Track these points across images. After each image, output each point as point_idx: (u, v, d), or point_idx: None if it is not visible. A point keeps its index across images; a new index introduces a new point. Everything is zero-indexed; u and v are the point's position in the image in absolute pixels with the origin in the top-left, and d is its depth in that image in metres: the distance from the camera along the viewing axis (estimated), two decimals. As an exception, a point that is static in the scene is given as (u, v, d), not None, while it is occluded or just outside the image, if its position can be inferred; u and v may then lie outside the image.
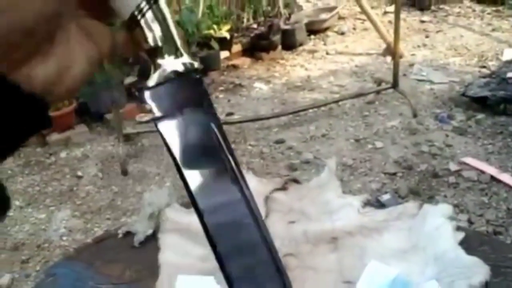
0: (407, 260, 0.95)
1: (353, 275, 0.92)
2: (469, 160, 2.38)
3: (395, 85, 3.01)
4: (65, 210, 2.28)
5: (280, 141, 2.76)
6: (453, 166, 2.36)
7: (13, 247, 2.05)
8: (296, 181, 1.30)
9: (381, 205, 1.21)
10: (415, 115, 2.88)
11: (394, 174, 2.36)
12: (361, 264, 0.95)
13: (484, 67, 3.52)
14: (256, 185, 1.25)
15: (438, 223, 0.98)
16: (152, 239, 1.08)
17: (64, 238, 2.09)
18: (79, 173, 2.58)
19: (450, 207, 1.02)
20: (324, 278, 0.93)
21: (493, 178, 2.25)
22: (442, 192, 2.17)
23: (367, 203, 1.15)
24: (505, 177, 2.23)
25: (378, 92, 3.18)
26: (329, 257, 0.98)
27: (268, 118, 2.94)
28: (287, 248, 1.01)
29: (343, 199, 1.17)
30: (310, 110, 3.03)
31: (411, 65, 3.65)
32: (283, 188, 1.24)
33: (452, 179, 2.27)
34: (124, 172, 2.52)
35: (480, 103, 2.91)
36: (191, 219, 1.12)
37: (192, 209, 1.26)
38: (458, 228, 1.01)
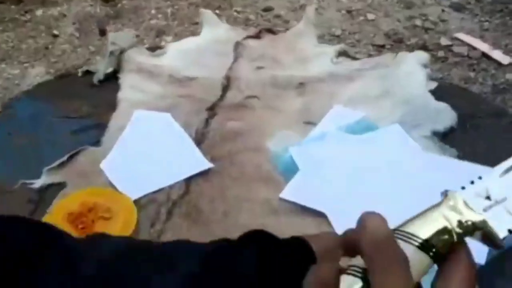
0: (376, 105, 0.91)
1: (316, 116, 0.89)
2: (462, 36, 2.28)
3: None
4: (39, 67, 2.20)
5: (268, 9, 2.61)
6: (444, 41, 2.26)
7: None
8: (271, 31, 1.23)
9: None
10: (412, -12, 2.70)
11: (382, 46, 2.26)
12: (327, 107, 0.91)
13: None
14: (228, 32, 1.17)
15: (411, 69, 0.92)
16: (112, 79, 1.03)
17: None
18: (55, 32, 2.46)
19: (426, 54, 0.96)
20: (285, 118, 0.89)
21: (484, 54, 2.17)
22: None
23: (342, 53, 1.09)
24: (496, 54, 2.15)
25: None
26: (295, 100, 0.94)
27: (257, -16, 2.75)
28: (251, 90, 0.96)
29: (318, 48, 1.10)
30: (303, -22, 2.83)
31: None
32: (257, 36, 1.17)
33: (441, 53, 2.18)
34: (102, 32, 2.40)
35: (483, -20, 2.72)
36: (154, 61, 1.06)
37: (156, 52, 1.20)
38: (433, 79, 0.96)
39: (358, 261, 0.28)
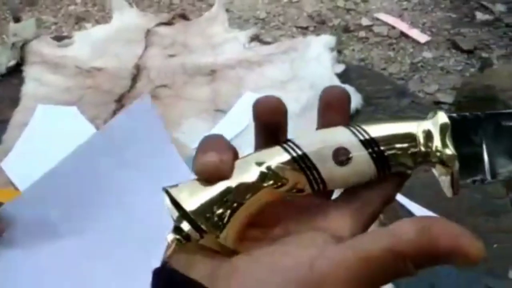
0: (284, 89, 0.92)
1: (227, 104, 0.89)
2: (382, 16, 2.36)
3: None
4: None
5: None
6: (365, 21, 2.33)
7: None
8: (184, 16, 1.21)
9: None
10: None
11: (306, 28, 2.30)
12: (237, 94, 0.91)
13: None
14: (139, 19, 1.14)
15: (318, 52, 0.94)
16: (15, 73, 0.98)
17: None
18: (-36, 21, 2.31)
19: (333, 38, 0.98)
20: (196, 107, 0.89)
21: (402, 33, 2.26)
22: (350, 47, 2.16)
23: (254, 38, 1.09)
24: (414, 33, 2.24)
25: None
26: (204, 88, 0.94)
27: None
28: (162, 80, 0.95)
29: (229, 33, 1.10)
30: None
31: None
32: (169, 23, 1.15)
33: (362, 33, 2.25)
34: (17, 20, 2.28)
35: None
36: (60, 52, 1.02)
37: (63, 42, 1.14)
38: (341, 62, 0.99)
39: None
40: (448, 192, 0.28)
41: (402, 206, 0.72)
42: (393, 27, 2.29)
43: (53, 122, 0.85)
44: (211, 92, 0.93)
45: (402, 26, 2.29)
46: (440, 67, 2.15)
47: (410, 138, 0.27)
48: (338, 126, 0.28)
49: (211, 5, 2.46)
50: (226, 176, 0.25)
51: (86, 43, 1.05)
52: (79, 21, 2.31)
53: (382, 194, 0.28)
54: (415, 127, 0.27)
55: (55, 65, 0.98)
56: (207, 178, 0.25)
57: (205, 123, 0.85)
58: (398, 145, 0.27)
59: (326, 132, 0.28)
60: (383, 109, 0.92)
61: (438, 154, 0.27)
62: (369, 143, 0.27)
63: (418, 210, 0.71)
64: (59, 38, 1.08)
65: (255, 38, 1.09)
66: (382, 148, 0.27)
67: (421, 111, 0.93)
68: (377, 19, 2.35)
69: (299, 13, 2.42)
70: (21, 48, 1.00)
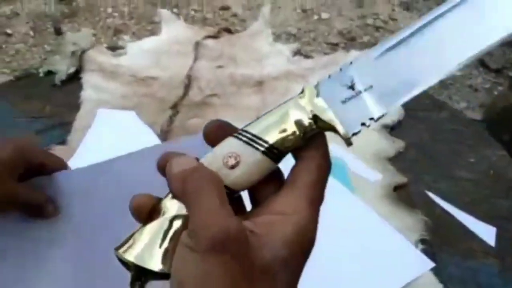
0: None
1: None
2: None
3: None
4: (-6, 67, 2.16)
5: (225, 8, 2.66)
6: (394, 39, 2.37)
7: None
8: (229, 30, 1.27)
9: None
10: (364, -12, 2.81)
11: (337, 44, 2.35)
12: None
13: None
14: (187, 31, 1.21)
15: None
16: (74, 79, 1.05)
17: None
18: (8, 31, 2.41)
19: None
20: (244, 115, 0.94)
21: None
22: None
23: (297, 52, 1.15)
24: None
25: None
26: (252, 98, 0.99)
27: (213, -17, 2.78)
28: (212, 89, 1.01)
29: (274, 47, 1.16)
30: (259, -22, 2.89)
31: None
32: (215, 36, 1.21)
33: (391, 51, 2.29)
34: (58, 31, 2.38)
35: (430, -20, 2.86)
36: (115, 61, 1.09)
37: (117, 52, 1.20)
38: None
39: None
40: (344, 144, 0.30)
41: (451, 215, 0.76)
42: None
43: (114, 125, 0.91)
44: (259, 101, 0.98)
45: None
46: (468, 85, 2.18)
47: (285, 120, 0.29)
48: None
49: (242, 20, 2.54)
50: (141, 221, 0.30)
51: (138, 54, 1.12)
52: (117, 33, 2.40)
53: (310, 163, 0.30)
54: (289, 108, 0.29)
55: (111, 73, 1.05)
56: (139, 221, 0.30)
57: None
58: (278, 131, 0.29)
59: (217, 147, 0.30)
60: (423, 122, 0.96)
61: (317, 122, 0.29)
62: (253, 141, 0.29)
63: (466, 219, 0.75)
64: (113, 48, 1.15)
65: (298, 52, 1.15)
66: (266, 140, 0.29)
67: (459, 124, 0.97)
68: (406, 37, 2.40)
69: (329, 29, 2.48)
70: (80, 57, 1.07)
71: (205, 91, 1.00)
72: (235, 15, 2.60)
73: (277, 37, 2.43)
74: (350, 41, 2.38)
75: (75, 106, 0.97)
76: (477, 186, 0.83)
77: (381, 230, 0.71)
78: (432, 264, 0.67)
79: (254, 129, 0.30)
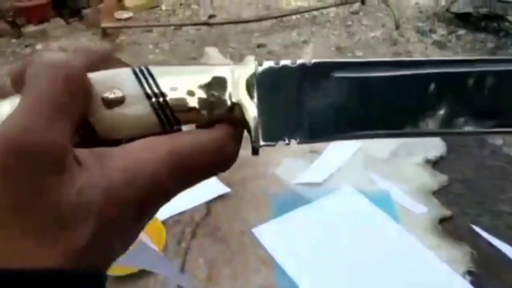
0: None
1: (321, 146, 0.98)
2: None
3: (381, -5, 2.98)
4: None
5: (261, 45, 2.75)
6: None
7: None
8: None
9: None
10: (397, 27, 2.87)
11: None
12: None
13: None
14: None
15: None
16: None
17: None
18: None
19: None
20: (293, 148, 0.98)
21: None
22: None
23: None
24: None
25: (363, 2, 3.14)
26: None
27: (250, 21, 2.90)
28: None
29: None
30: (293, 17, 2.99)
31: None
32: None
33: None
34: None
35: (463, 19, 2.91)
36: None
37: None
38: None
39: None
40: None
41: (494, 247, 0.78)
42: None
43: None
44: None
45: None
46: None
47: (206, 87, 0.23)
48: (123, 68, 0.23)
49: (278, 57, 2.63)
50: None
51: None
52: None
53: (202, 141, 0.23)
54: (210, 73, 0.23)
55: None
56: None
57: (302, 162, 0.94)
58: (187, 96, 0.22)
59: (108, 71, 0.23)
60: (465, 157, 0.98)
61: (233, 105, 0.23)
62: (154, 94, 0.22)
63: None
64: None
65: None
66: (164, 92, 0.22)
67: (501, 160, 0.99)
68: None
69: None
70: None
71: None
72: (271, 52, 2.69)
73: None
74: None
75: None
76: (522, 221, 0.84)
77: (428, 261, 0.73)
78: (480, 296, 0.68)
79: (161, 80, 0.23)
